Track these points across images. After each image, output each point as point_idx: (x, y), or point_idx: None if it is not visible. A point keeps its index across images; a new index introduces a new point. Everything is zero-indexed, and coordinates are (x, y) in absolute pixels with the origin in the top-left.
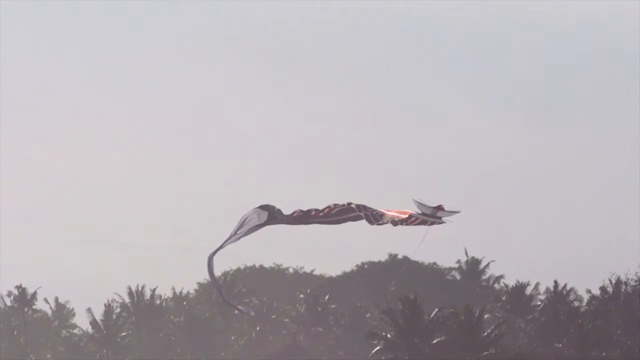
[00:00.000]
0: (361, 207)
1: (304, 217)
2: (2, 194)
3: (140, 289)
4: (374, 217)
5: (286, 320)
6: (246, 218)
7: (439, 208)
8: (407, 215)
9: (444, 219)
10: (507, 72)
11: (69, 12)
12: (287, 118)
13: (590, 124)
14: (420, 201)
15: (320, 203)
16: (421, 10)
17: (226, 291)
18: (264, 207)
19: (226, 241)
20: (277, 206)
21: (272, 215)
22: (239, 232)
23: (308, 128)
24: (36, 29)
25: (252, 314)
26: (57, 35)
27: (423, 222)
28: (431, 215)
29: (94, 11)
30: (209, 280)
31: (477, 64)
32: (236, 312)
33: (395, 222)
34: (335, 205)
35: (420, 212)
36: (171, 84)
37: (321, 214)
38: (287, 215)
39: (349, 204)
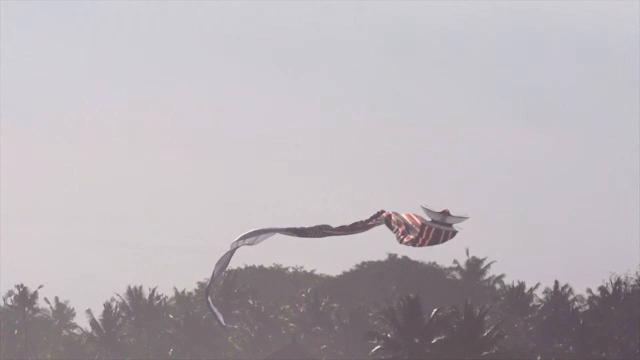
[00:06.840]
0: (381, 212)
1: (335, 230)
2: (2, 194)
3: (139, 288)
4: (391, 220)
5: (286, 319)
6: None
7: (445, 213)
8: (418, 228)
9: (454, 226)
10: (507, 73)
11: (70, 12)
12: (288, 118)
13: (590, 124)
14: (427, 207)
15: (320, 203)
16: (422, 11)
17: (226, 291)
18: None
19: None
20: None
21: (294, 230)
22: (239, 242)
23: (309, 128)
24: (37, 28)
25: (234, 327)
26: (58, 35)
27: (435, 240)
28: (441, 222)
29: (95, 11)
30: (209, 280)
31: (477, 64)
32: (231, 330)
33: (401, 238)
34: (367, 220)
35: (430, 220)
36: (173, 84)
37: (357, 226)
38: (316, 230)
39: (377, 213)
